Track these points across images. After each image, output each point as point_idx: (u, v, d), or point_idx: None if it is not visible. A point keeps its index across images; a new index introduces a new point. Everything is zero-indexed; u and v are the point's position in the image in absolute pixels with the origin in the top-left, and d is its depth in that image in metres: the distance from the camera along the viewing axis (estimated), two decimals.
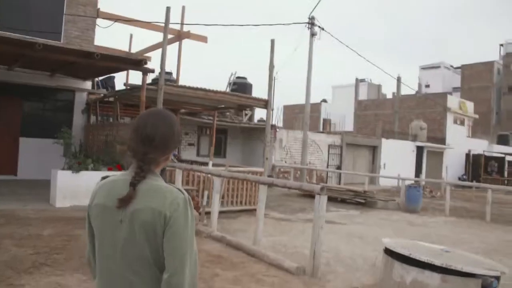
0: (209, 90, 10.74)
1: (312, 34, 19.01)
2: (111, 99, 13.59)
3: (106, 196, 1.54)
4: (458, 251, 4.53)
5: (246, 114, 21.10)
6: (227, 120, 19.29)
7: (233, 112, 20.89)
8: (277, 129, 21.00)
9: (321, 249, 5.93)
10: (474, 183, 20.51)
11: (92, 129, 13.99)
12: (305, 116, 19.24)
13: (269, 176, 20.75)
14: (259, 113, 23.25)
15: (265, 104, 11.81)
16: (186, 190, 9.40)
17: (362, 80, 42.55)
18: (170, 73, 19.41)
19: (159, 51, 11.27)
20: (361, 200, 14.79)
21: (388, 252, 3.96)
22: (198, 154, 20.46)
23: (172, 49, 16.29)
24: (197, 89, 10.60)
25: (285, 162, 21.21)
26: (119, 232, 1.49)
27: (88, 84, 14.63)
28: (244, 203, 11.39)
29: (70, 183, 9.44)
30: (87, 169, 9.81)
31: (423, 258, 3.52)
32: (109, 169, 10.19)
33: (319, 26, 18.97)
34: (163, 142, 1.57)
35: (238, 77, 21.96)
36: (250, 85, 22.22)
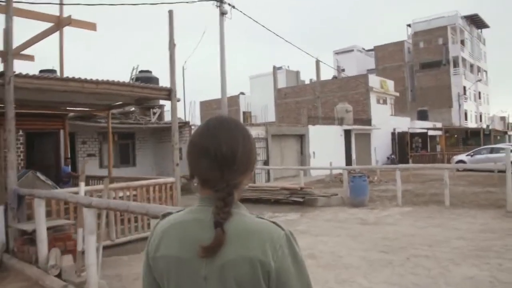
0: (85, 81, 7.82)
1: (222, 13, 16.48)
2: None
3: (179, 244, 1.14)
4: None
5: (154, 113, 18.11)
6: (130, 121, 16.18)
7: (139, 112, 17.84)
8: (192, 127, 18.21)
9: None
10: (419, 165, 19.11)
11: None
12: (222, 109, 16.65)
13: (188, 182, 18.03)
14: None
15: (168, 93, 9.07)
16: (55, 227, 6.48)
17: (279, 68, 40.75)
18: (53, 71, 16.06)
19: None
20: (299, 199, 12.47)
21: None
22: (101, 166, 17.16)
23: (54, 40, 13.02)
24: (67, 79, 7.63)
25: None
26: None
27: None
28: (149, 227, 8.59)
29: None
30: None
31: None
32: None
33: (229, 4, 16.46)
34: (246, 160, 1.17)
35: (141, 71, 18.88)
36: (156, 79, 19.24)
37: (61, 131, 13.64)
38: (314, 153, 24.10)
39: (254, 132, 21.30)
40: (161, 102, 19.53)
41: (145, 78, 17.47)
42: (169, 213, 1.24)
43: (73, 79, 7.70)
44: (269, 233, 1.12)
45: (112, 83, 8.17)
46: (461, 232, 8.11)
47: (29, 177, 7.76)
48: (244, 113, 39.24)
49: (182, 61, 42.72)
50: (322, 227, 9.31)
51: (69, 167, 13.02)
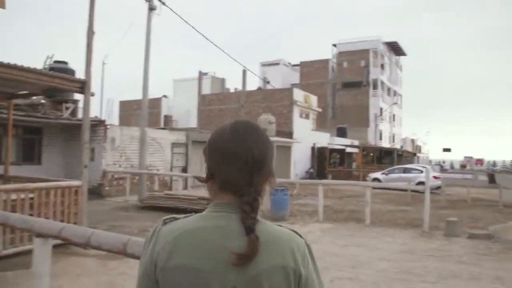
0: None
1: (151, 8, 15.58)
2: None
3: (198, 254, 1.04)
4: None
5: (67, 108, 16.64)
6: (37, 115, 14.67)
7: (49, 105, 16.30)
8: (108, 126, 16.97)
9: None
10: (341, 181, 19.14)
11: None
12: (143, 110, 15.64)
13: (100, 185, 16.77)
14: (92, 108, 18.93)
15: (81, 86, 8.08)
16: None
17: (205, 74, 40.00)
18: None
19: None
20: None
21: None
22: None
23: None
24: None
25: (120, 166, 17.31)
26: None
27: None
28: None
29: None
30: None
31: None
32: None
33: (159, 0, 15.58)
34: (271, 166, 1.17)
35: (56, 61, 17.33)
36: (72, 71, 17.69)
37: None
38: None
39: (173, 137, 20.43)
40: (76, 96, 18.09)
41: (60, 69, 15.96)
42: (174, 218, 1.15)
43: None
44: (295, 242, 1.12)
45: (14, 66, 7.06)
46: (383, 253, 7.90)
47: None
48: (165, 116, 37.95)
49: (103, 55, 40.61)
50: None
51: None
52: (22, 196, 7.20)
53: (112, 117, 19.04)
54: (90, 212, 13.32)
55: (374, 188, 19.58)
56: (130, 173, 16.43)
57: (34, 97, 16.85)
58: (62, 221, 7.73)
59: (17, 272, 6.33)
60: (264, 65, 62.44)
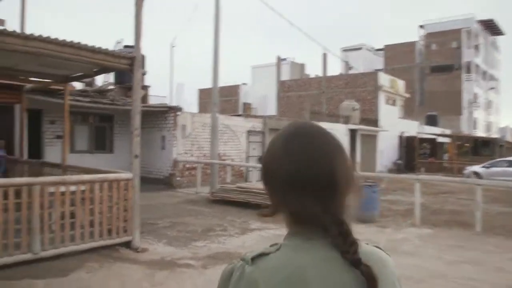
0: (6, 34, 5.62)
1: None
2: None
3: None
4: None
5: None
6: (104, 101, 13.96)
7: (119, 91, 15.65)
8: (178, 113, 15.99)
9: None
10: (453, 178, 16.74)
11: None
12: (213, 94, 14.45)
13: (171, 175, 15.89)
14: (158, 92, 18.24)
15: (130, 63, 6.91)
16: None
17: (284, 60, 38.44)
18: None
19: None
20: None
21: None
22: (72, 150, 14.98)
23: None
24: None
25: (192, 155, 16.32)
26: None
27: None
28: (98, 235, 6.48)
29: None
30: None
31: None
32: None
33: None
34: (347, 179, 0.94)
35: (126, 46, 16.64)
36: (143, 57, 17.00)
37: (17, 106, 11.48)
38: None
39: (249, 124, 19.14)
40: (146, 82, 17.37)
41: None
42: (263, 254, 0.91)
43: None
44: (390, 262, 0.97)
45: (48, 40, 5.98)
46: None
47: None
48: (244, 104, 36.98)
49: (173, 39, 40.41)
50: None
51: (2, 150, 10.73)
52: (63, 189, 6.15)
53: (182, 103, 18.08)
54: (157, 205, 12.49)
55: (477, 184, 17.11)
56: (201, 162, 15.35)
57: (105, 82, 16.35)
58: (110, 218, 6.66)
59: (51, 281, 5.24)
60: (345, 50, 59.60)
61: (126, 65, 6.96)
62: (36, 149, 13.41)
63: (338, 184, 0.92)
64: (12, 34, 5.74)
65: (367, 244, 0.97)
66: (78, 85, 14.79)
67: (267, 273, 0.89)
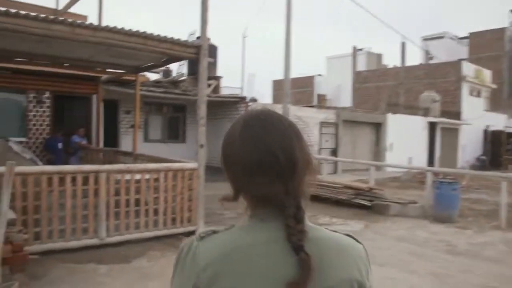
0: (77, 25, 5.68)
1: None
2: None
3: (247, 277, 0.88)
4: None
5: (209, 85, 16.00)
6: (176, 91, 14.15)
7: (191, 82, 15.83)
8: (249, 103, 15.91)
9: None
10: None
11: None
12: (285, 85, 14.18)
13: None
14: (230, 83, 18.26)
15: (196, 52, 6.80)
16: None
17: (360, 50, 37.19)
18: None
19: None
20: (365, 203, 9.84)
21: None
22: (146, 139, 15.45)
23: None
24: (51, 21, 5.45)
25: None
26: None
27: None
28: (162, 224, 6.48)
29: None
30: None
31: None
32: None
33: None
34: (306, 163, 0.96)
35: (198, 37, 16.76)
36: (215, 48, 17.10)
37: (94, 97, 11.91)
38: (391, 145, 21.01)
39: (322, 116, 18.67)
40: (218, 73, 17.45)
41: None
42: (214, 232, 0.96)
43: (59, 21, 5.68)
44: (354, 249, 0.99)
45: (115, 30, 6.02)
46: None
47: None
48: (318, 95, 36.34)
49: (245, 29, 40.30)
50: (392, 249, 6.68)
51: (82, 138, 11.21)
52: (127, 177, 6.21)
53: (254, 94, 17.91)
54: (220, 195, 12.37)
55: None
56: None
57: (178, 73, 16.62)
58: (174, 207, 6.65)
59: (113, 266, 5.29)
60: (426, 39, 56.55)
61: (193, 53, 6.88)
62: (113, 138, 13.91)
63: (297, 166, 0.93)
64: (81, 25, 5.84)
65: (335, 231, 0.99)
66: (153, 77, 15.14)
67: (208, 249, 0.91)
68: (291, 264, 0.87)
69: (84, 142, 11.32)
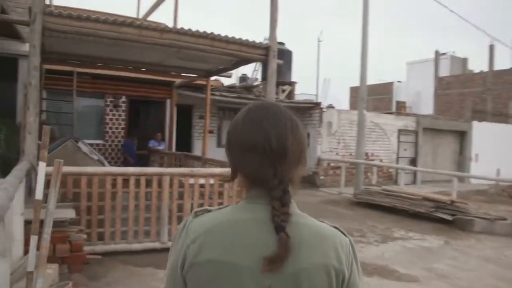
0: (144, 27, 5.65)
1: None
2: None
3: (230, 248, 0.97)
4: None
5: (283, 91, 15.79)
6: (249, 97, 14.05)
7: (265, 88, 15.69)
8: (324, 109, 15.46)
9: None
10: None
11: None
12: (360, 90, 13.61)
13: (315, 174, 15.45)
14: (304, 89, 17.94)
15: (265, 53, 6.57)
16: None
17: (443, 54, 35.28)
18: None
19: None
20: (446, 217, 9.06)
21: None
22: (219, 145, 15.50)
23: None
24: (119, 24, 5.47)
25: (337, 154, 15.66)
26: None
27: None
28: None
29: None
30: None
31: None
32: None
33: None
34: (298, 151, 1.04)
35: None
36: (289, 53, 16.85)
37: (168, 101, 12.10)
38: (477, 155, 19.55)
39: (400, 123, 17.77)
40: (293, 78, 17.18)
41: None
42: (207, 210, 1.08)
43: (127, 24, 5.65)
44: (338, 239, 1.04)
45: (182, 32, 5.95)
46: None
47: (67, 147, 5.98)
48: (397, 102, 34.95)
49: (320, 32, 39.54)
50: (476, 271, 5.99)
51: (159, 142, 11.42)
52: (191, 181, 6.09)
53: (329, 99, 17.38)
54: (296, 203, 12.06)
55: None
56: (346, 162, 14.62)
57: (251, 78, 16.57)
58: None
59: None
60: None
61: (261, 55, 6.66)
62: (187, 143, 14.08)
63: (288, 153, 1.00)
64: (149, 27, 5.82)
65: (322, 221, 1.06)
66: (227, 82, 15.19)
67: (199, 224, 1.01)
68: (271, 242, 0.94)
69: (161, 147, 11.55)
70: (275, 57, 6.66)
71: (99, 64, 9.05)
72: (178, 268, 1.01)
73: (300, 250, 0.95)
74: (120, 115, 11.54)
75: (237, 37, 6.35)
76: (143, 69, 9.54)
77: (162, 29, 5.93)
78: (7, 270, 2.71)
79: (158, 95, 11.63)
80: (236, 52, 6.48)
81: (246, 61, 7.52)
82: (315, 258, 0.96)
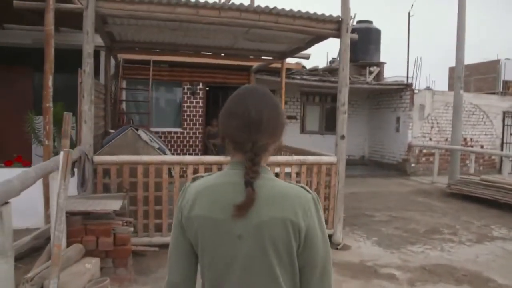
0: (201, 6, 5.22)
1: None
2: None
3: (212, 206, 1.22)
4: None
5: (370, 72, 14.77)
6: (332, 79, 13.25)
7: (352, 70, 14.79)
8: (415, 90, 14.21)
9: None
10: None
11: None
12: (456, 67, 12.26)
13: (404, 161, 14.33)
14: (394, 71, 16.76)
15: (337, 28, 5.89)
16: (89, 212, 4.24)
17: None
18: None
19: None
20: None
21: None
22: (302, 131, 14.96)
23: None
24: (173, 4, 5.12)
25: (430, 139, 14.37)
26: (238, 249, 1.19)
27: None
28: None
29: None
30: None
31: None
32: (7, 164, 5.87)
33: None
34: (273, 125, 1.25)
35: (360, 21, 15.57)
36: (377, 31, 15.72)
37: None
38: None
39: (506, 104, 15.93)
40: (382, 58, 16.03)
41: (363, 30, 14.22)
42: (201, 176, 1.31)
43: (182, 4, 5.27)
44: (298, 196, 1.21)
45: (243, 9, 5.48)
46: None
47: (127, 135, 5.80)
48: (504, 82, 31.76)
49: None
50: None
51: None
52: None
53: (421, 80, 15.87)
54: (382, 193, 11.22)
55: None
56: (440, 148, 13.33)
57: (334, 61, 15.71)
58: None
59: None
60: None
61: (332, 30, 5.98)
62: None
63: (263, 123, 1.20)
64: (206, 6, 5.41)
65: (290, 182, 1.26)
66: (309, 65, 14.54)
67: (192, 188, 1.28)
68: (241, 198, 1.15)
69: None
70: (349, 32, 5.96)
71: (169, 51, 8.89)
72: (178, 219, 1.28)
73: (263, 206, 1.15)
74: (198, 102, 11.41)
75: (303, 10, 5.75)
76: (219, 54, 9.23)
77: (221, 6, 5.50)
78: (9, 270, 2.45)
79: (235, 80, 11.32)
80: (304, 27, 5.86)
81: (318, 38, 6.87)
82: (274, 212, 1.16)
